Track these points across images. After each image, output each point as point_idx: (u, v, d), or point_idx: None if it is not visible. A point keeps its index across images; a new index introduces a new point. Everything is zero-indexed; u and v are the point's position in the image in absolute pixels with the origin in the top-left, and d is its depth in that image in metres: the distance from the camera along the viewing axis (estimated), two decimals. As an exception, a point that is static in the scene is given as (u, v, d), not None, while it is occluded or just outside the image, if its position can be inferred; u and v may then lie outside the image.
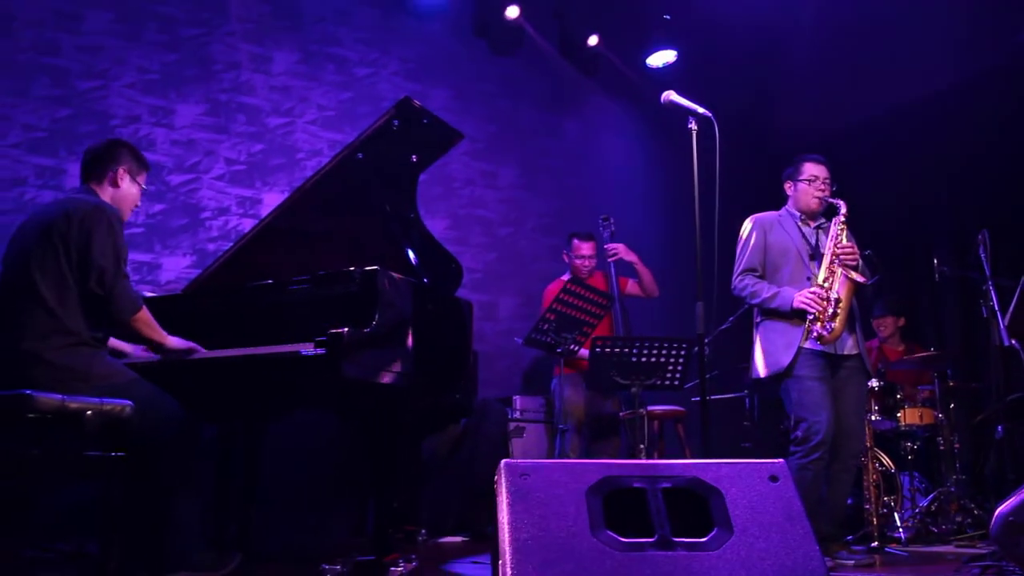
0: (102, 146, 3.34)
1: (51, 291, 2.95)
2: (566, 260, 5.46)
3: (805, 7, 6.56)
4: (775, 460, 2.18)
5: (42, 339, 2.91)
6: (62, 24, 4.97)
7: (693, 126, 3.57)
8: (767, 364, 3.94)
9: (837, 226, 3.91)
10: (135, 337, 3.27)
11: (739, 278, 4.04)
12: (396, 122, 3.66)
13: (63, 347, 2.93)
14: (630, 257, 5.26)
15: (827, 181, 4.04)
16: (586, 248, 5.35)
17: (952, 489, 5.01)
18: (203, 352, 3.31)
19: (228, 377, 3.29)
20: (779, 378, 3.89)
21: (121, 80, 5.12)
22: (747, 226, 4.12)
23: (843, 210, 3.93)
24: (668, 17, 6.90)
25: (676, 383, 4.46)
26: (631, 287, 5.36)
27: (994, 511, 3.46)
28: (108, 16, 5.12)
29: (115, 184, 3.28)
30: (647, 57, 6.93)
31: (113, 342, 3.32)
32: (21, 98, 4.80)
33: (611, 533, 1.96)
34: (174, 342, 3.25)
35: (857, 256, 3.88)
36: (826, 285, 3.82)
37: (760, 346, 4.01)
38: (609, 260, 5.27)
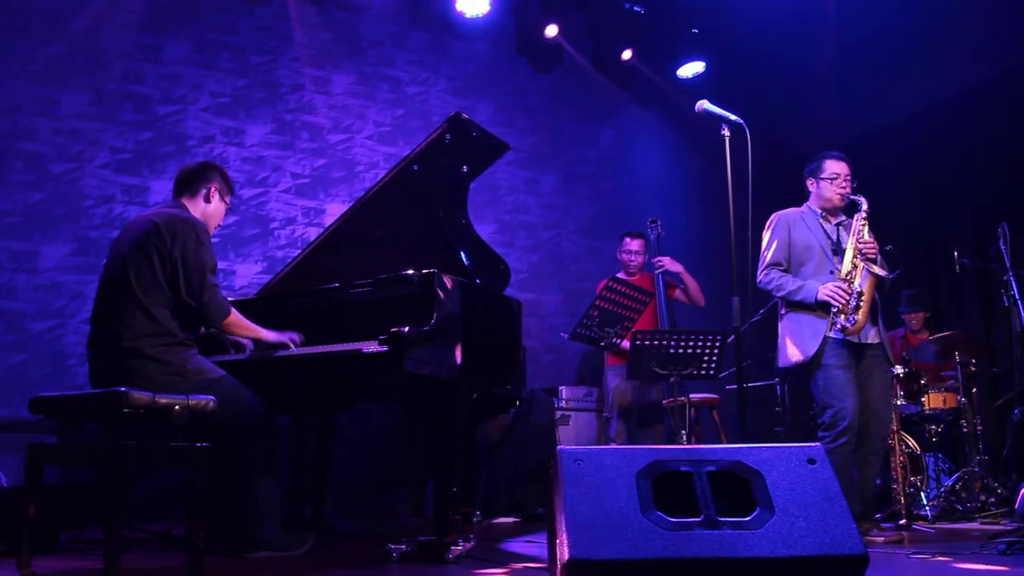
0: (196, 166, 3.37)
1: (147, 296, 3.00)
2: (618, 257, 5.46)
3: (827, 15, 6.46)
4: (813, 444, 2.14)
5: (142, 338, 2.97)
6: (145, 56, 5.08)
7: (726, 132, 3.53)
8: (793, 353, 3.87)
9: (859, 222, 3.83)
10: (236, 340, 3.33)
11: (764, 272, 3.97)
12: (448, 135, 3.66)
13: (161, 346, 2.99)
14: (676, 268, 5.20)
15: (848, 178, 3.94)
16: (635, 245, 5.34)
17: (976, 469, 4.90)
18: (295, 348, 3.29)
19: (299, 373, 3.32)
20: (806, 367, 3.83)
21: (197, 104, 5.22)
22: (771, 223, 4.04)
23: (864, 206, 3.84)
24: (696, 31, 6.85)
25: (711, 372, 4.41)
26: (678, 295, 5.31)
27: (1017, 489, 3.38)
28: (186, 47, 5.22)
29: (207, 200, 3.31)
30: (677, 69, 6.91)
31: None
32: (109, 123, 4.93)
33: (660, 513, 1.94)
34: (270, 336, 3.25)
35: (877, 250, 3.80)
36: (849, 278, 3.75)
37: (786, 336, 3.94)
38: (656, 273, 5.22)
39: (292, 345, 3.27)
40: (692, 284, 5.26)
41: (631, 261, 5.34)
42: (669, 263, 5.19)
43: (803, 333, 3.84)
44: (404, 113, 5.99)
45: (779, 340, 4.00)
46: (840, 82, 6.73)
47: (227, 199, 3.42)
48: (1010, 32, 5.80)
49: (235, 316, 3.17)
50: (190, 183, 3.31)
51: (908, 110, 6.67)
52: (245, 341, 3.37)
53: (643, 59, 6.88)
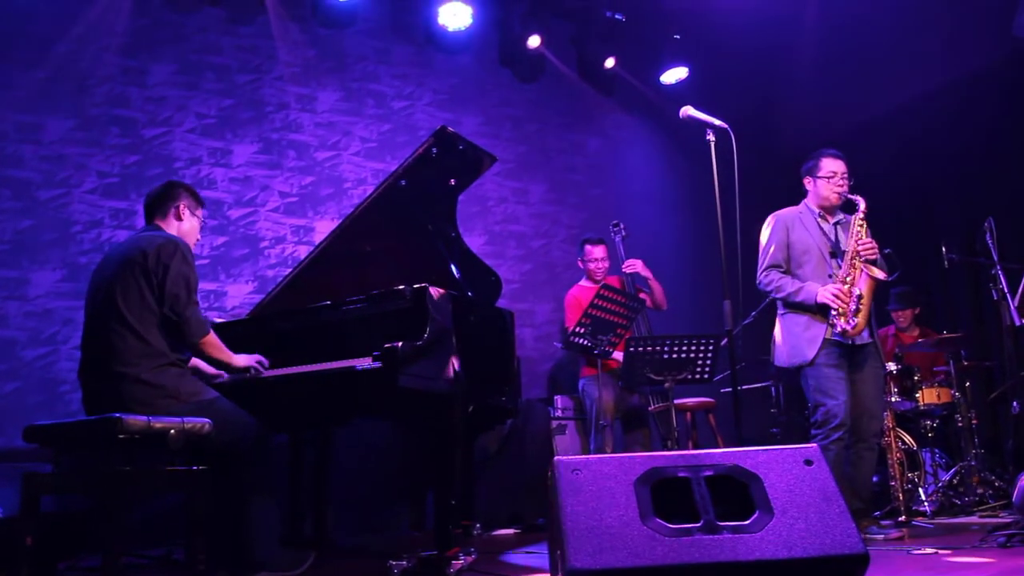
0: (161, 188, 3.38)
1: (136, 318, 3.00)
2: (580, 265, 5.44)
3: (806, 14, 6.51)
4: (809, 445, 2.16)
5: (134, 362, 2.96)
6: (130, 79, 5.08)
7: (711, 137, 3.55)
8: (791, 355, 3.89)
9: (857, 223, 3.85)
10: (205, 358, 3.32)
11: (764, 274, 3.98)
12: (435, 149, 3.67)
13: (153, 368, 2.98)
14: (646, 273, 5.21)
15: (845, 176, 3.94)
16: (598, 251, 5.31)
17: (973, 463, 4.93)
18: (267, 370, 3.34)
19: (294, 392, 3.32)
20: (800, 368, 3.85)
21: (183, 126, 5.21)
22: (769, 224, 4.05)
23: (862, 207, 3.85)
24: (678, 37, 6.89)
25: (706, 376, 4.43)
26: (642, 297, 5.31)
27: (1015, 481, 3.40)
28: (170, 69, 5.22)
29: (179, 218, 3.32)
30: (661, 75, 6.94)
31: (195, 362, 3.37)
32: (95, 148, 4.91)
33: (660, 520, 1.95)
34: (240, 360, 3.29)
35: (877, 250, 3.82)
36: (849, 281, 3.76)
37: (783, 337, 3.96)
38: (624, 270, 5.23)
39: (260, 368, 3.32)
40: (658, 289, 5.26)
41: (597, 268, 5.30)
42: (641, 268, 5.19)
43: (801, 336, 3.86)
44: (390, 128, 5.99)
45: (775, 338, 4.02)
46: (823, 81, 6.77)
47: (198, 213, 3.42)
48: (993, 25, 5.83)
49: (212, 337, 3.19)
50: (159, 206, 3.32)
51: (891, 107, 6.72)
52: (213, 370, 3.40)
53: (626, 66, 6.91)
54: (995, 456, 5.35)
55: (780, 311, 4.02)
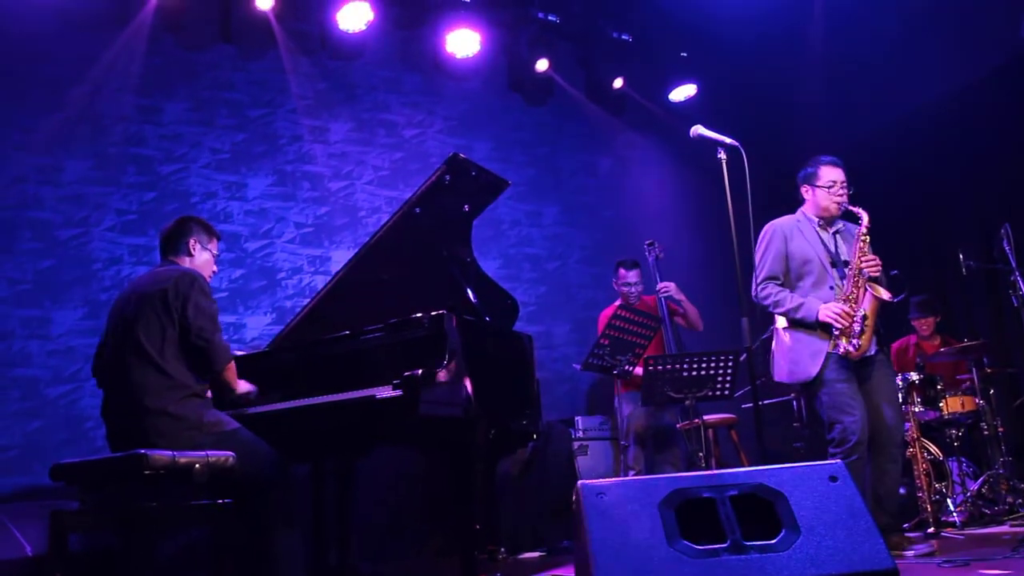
0: (173, 224, 3.45)
1: (158, 353, 3.04)
2: (616, 288, 5.43)
3: (813, 25, 6.52)
4: (834, 461, 2.14)
5: (158, 395, 3.00)
6: (145, 117, 5.16)
7: (722, 155, 3.53)
8: (792, 371, 3.73)
9: (860, 239, 3.67)
10: (218, 384, 3.36)
11: (761, 286, 3.80)
12: (447, 176, 3.70)
13: (177, 400, 3.02)
14: (679, 296, 5.20)
15: (844, 184, 3.79)
16: (632, 276, 5.31)
17: (1001, 471, 4.86)
18: (289, 400, 3.37)
19: (316, 422, 3.33)
20: (807, 385, 3.69)
21: (198, 162, 5.28)
22: (766, 233, 3.87)
23: (864, 220, 3.67)
24: (685, 55, 6.92)
25: (726, 392, 4.41)
26: (677, 320, 5.31)
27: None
28: (184, 106, 5.30)
29: (191, 254, 3.38)
30: (669, 93, 6.97)
31: None
32: (113, 186, 4.98)
33: (686, 542, 1.94)
34: (243, 387, 3.37)
35: (880, 267, 3.66)
36: (852, 299, 3.60)
37: (783, 352, 3.79)
38: (658, 294, 5.21)
39: (253, 396, 3.42)
40: (692, 311, 5.26)
41: (631, 292, 5.29)
42: (675, 291, 5.18)
43: (803, 352, 3.69)
44: (402, 156, 6.04)
45: (775, 353, 3.86)
46: (833, 91, 6.77)
47: (211, 247, 3.47)
48: (1000, 29, 5.81)
49: (233, 364, 3.26)
50: (171, 242, 3.39)
51: (901, 115, 6.70)
52: None
53: (635, 86, 6.93)
54: (1023, 463, 5.27)
55: (776, 324, 3.86)
